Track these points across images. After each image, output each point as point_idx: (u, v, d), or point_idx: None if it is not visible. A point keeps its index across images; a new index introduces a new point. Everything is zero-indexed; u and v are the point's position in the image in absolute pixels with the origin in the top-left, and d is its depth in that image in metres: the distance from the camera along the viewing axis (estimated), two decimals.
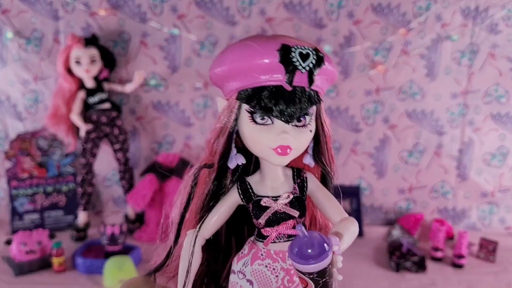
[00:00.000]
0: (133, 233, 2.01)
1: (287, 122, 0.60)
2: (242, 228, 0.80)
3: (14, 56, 2.09)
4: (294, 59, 0.56)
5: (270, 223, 0.67)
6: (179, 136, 2.24)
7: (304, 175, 0.70)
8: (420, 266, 1.70)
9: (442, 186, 2.19)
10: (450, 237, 2.01)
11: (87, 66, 1.93)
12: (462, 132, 2.14)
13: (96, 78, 1.99)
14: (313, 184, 0.70)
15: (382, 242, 1.99)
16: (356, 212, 2.09)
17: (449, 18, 2.04)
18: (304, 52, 0.57)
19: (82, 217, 2.04)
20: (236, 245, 0.80)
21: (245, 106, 0.61)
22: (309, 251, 0.54)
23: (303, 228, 0.56)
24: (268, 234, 0.68)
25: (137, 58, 2.15)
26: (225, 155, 0.66)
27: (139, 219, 2.09)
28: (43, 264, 1.67)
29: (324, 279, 0.57)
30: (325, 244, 0.55)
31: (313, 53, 0.58)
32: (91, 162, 2.03)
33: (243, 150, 0.68)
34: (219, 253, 0.78)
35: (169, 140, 2.25)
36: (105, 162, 2.16)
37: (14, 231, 1.95)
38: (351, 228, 0.65)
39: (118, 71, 2.15)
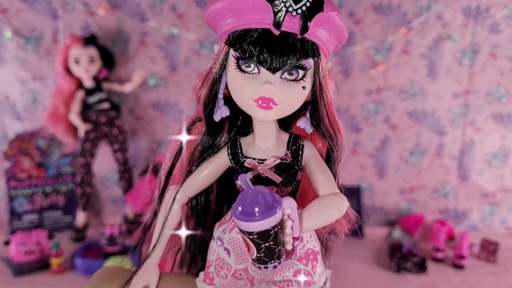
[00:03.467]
0: (132, 233, 2.00)
1: (273, 71, 0.53)
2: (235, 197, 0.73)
3: (13, 56, 2.08)
4: None
5: None
6: None
7: (301, 143, 0.63)
8: (421, 267, 1.69)
9: (443, 186, 2.18)
10: (451, 237, 2.00)
11: (86, 66, 1.92)
12: (463, 132, 2.13)
13: (95, 78, 1.98)
14: (310, 152, 0.62)
15: (383, 242, 1.98)
16: (356, 213, 2.07)
17: (450, 18, 2.03)
18: None
19: (81, 217, 2.04)
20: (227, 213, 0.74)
21: (232, 52, 0.56)
22: (253, 206, 0.47)
23: (247, 179, 0.49)
24: None
25: (137, 57, 2.14)
26: (209, 105, 0.60)
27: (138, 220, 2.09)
28: (42, 264, 1.65)
29: (267, 244, 0.48)
30: (273, 202, 0.47)
31: None
32: (90, 162, 2.02)
33: (242, 112, 0.60)
34: (208, 219, 0.73)
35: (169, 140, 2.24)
36: (104, 162, 2.15)
37: (13, 232, 1.94)
38: (335, 202, 0.56)
39: (117, 70, 2.14)
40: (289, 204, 0.50)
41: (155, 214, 0.69)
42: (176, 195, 0.65)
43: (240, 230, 0.49)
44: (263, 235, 0.46)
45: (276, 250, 0.49)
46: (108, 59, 2.03)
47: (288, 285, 0.59)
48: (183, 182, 0.65)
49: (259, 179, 0.60)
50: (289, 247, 0.51)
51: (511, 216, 2.15)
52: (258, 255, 0.49)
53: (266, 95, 0.53)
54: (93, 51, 1.94)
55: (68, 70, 1.95)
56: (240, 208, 0.47)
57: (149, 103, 2.19)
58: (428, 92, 2.12)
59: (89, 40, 1.95)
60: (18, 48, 2.08)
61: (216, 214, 0.74)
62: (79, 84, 1.97)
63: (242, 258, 0.63)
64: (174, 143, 0.66)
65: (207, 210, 0.72)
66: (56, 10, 2.07)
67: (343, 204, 0.56)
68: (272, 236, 0.47)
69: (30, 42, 2.08)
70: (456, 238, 1.96)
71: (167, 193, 0.66)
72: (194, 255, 0.77)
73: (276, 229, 0.48)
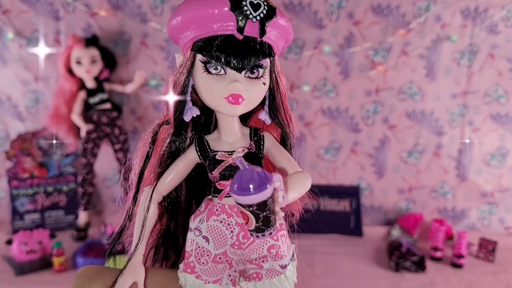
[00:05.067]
0: None
1: (239, 71, 0.60)
2: (203, 192, 0.80)
3: (15, 56, 2.10)
4: (245, 8, 0.57)
5: (225, 176, 0.67)
6: None
7: (261, 134, 0.71)
8: (420, 266, 1.70)
9: (442, 186, 2.20)
10: (449, 237, 2.02)
11: (88, 67, 1.93)
12: (462, 133, 2.14)
13: (96, 79, 2.00)
14: (270, 141, 0.71)
15: (382, 242, 2.00)
16: (355, 212, 2.09)
17: (449, 19, 2.05)
18: (255, 2, 0.58)
19: (82, 217, 2.05)
20: (196, 208, 0.79)
21: (199, 57, 0.62)
22: (249, 182, 0.55)
23: (243, 159, 0.56)
24: (222, 188, 0.68)
25: (138, 58, 2.15)
26: (179, 108, 0.66)
27: None
28: (43, 263, 1.67)
29: (265, 213, 0.56)
30: (265, 177, 0.55)
31: (264, 4, 0.58)
32: (91, 162, 2.04)
33: (204, 112, 0.68)
34: (180, 214, 0.78)
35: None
36: (106, 162, 2.16)
37: (15, 231, 1.95)
38: (303, 178, 0.64)
39: (118, 71, 2.15)
40: (278, 178, 0.57)
41: (129, 216, 0.73)
42: (152, 194, 0.69)
43: (240, 204, 0.56)
44: (261, 206, 0.54)
45: (271, 218, 0.57)
46: (109, 60, 2.04)
47: (263, 261, 0.67)
48: (156, 182, 0.69)
49: (231, 169, 0.66)
50: (281, 214, 0.59)
51: (509, 216, 2.17)
52: (257, 224, 0.56)
53: (235, 92, 0.60)
54: (94, 52, 1.95)
55: (70, 71, 1.96)
56: (240, 185, 0.54)
57: (150, 104, 2.21)
58: (426, 93, 2.13)
59: (91, 41, 1.96)
60: (20, 49, 2.09)
61: (186, 209, 0.78)
62: (81, 85, 1.99)
63: (221, 243, 0.68)
64: (142, 146, 0.70)
65: (178, 206, 0.77)
66: (58, 11, 2.08)
67: (309, 180, 0.64)
68: (268, 206, 0.55)
69: (32, 43, 2.09)
70: (455, 238, 1.98)
71: (142, 195, 0.70)
72: (167, 251, 0.81)
73: (270, 199, 0.55)
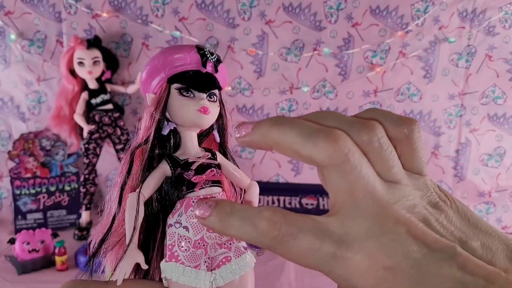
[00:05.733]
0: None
1: (205, 93, 0.79)
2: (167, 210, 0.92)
3: (17, 58, 2.11)
4: (206, 52, 0.78)
5: (198, 171, 0.83)
6: None
7: (213, 151, 0.85)
8: None
9: (440, 186, 2.22)
10: None
11: (89, 68, 1.95)
12: (459, 133, 2.16)
13: (98, 80, 2.02)
14: (220, 156, 0.84)
15: None
16: None
17: (447, 21, 2.07)
18: (211, 50, 0.79)
19: (84, 216, 2.06)
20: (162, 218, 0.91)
21: (174, 86, 0.77)
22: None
23: None
24: (197, 181, 0.80)
25: (139, 59, 2.17)
26: (159, 125, 0.84)
27: None
28: (46, 262, 1.68)
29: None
30: None
31: (215, 52, 0.80)
32: (93, 162, 2.05)
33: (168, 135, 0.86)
34: (156, 223, 0.90)
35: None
36: (108, 161, 2.18)
37: (18, 230, 1.96)
38: (256, 193, 0.79)
39: (120, 72, 2.17)
40: None
41: (113, 222, 0.80)
42: (139, 195, 0.78)
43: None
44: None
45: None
46: (111, 61, 2.06)
47: (231, 243, 0.79)
48: (141, 186, 0.79)
49: (202, 167, 0.77)
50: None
51: (507, 215, 2.19)
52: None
53: (205, 105, 0.78)
54: (96, 53, 1.97)
55: (72, 72, 1.98)
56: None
57: None
58: (424, 94, 2.15)
59: (93, 42, 1.98)
60: (22, 50, 2.11)
61: (157, 220, 0.88)
62: (83, 86, 2.00)
63: (199, 229, 0.78)
64: (124, 163, 0.81)
65: (152, 213, 0.86)
66: (60, 12, 2.10)
67: (258, 189, 0.80)
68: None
69: (34, 44, 2.11)
70: None
71: (128, 200, 0.79)
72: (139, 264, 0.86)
73: None
